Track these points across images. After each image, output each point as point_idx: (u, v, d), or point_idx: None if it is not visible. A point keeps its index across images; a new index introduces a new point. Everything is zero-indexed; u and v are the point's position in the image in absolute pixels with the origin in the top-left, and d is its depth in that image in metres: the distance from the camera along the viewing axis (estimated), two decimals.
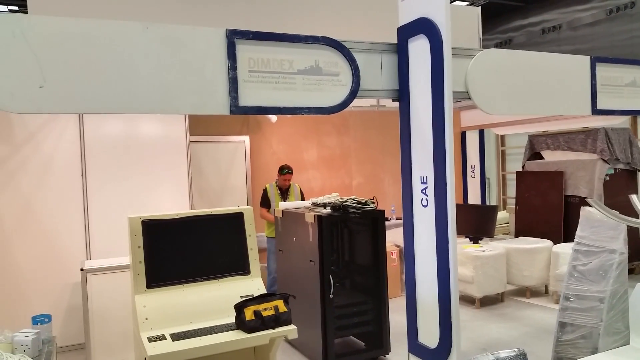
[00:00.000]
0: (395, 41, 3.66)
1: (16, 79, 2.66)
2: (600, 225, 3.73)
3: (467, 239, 6.85)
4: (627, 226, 3.54)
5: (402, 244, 4.09)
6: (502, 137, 11.75)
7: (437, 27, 3.27)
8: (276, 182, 6.35)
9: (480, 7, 7.17)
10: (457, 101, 3.99)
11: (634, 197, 3.39)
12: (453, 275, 3.29)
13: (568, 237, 7.06)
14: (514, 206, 8.45)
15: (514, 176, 8.73)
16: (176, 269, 3.37)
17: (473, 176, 9.80)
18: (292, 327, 3.18)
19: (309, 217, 4.46)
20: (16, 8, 9.39)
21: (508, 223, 10.28)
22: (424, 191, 3.49)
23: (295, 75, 3.32)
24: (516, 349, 2.32)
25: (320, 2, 5.93)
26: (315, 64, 3.38)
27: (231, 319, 3.17)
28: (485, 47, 5.96)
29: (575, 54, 4.56)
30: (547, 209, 7.67)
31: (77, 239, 5.14)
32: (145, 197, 5.32)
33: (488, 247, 6.37)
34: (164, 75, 2.97)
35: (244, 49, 3.17)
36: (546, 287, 6.56)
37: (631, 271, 6.79)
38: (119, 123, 5.33)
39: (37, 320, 3.50)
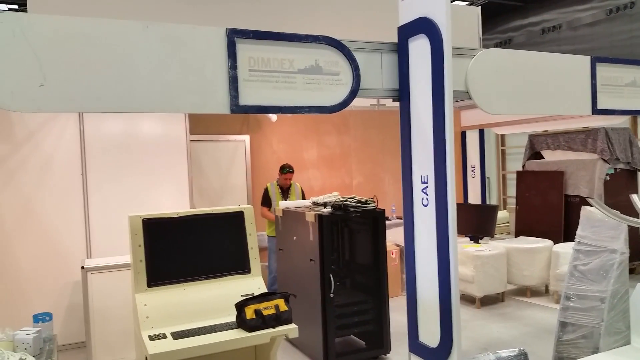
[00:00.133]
0: (396, 41, 3.66)
1: (16, 77, 2.66)
2: (601, 225, 3.73)
3: (468, 239, 6.85)
4: (628, 226, 3.54)
5: (402, 243, 4.09)
6: (502, 136, 11.76)
7: (438, 26, 3.27)
8: (277, 181, 6.35)
9: (480, 7, 7.17)
10: (457, 101, 3.98)
11: (634, 196, 3.39)
12: (454, 274, 3.29)
13: (568, 236, 7.06)
14: (514, 206, 8.45)
15: (514, 176, 8.74)
16: (177, 267, 3.37)
17: (473, 176, 9.81)
18: (293, 326, 3.18)
19: (310, 216, 4.46)
20: (16, 7, 9.39)
21: (508, 223, 10.29)
22: (424, 190, 3.49)
23: (295, 75, 3.33)
24: (517, 349, 2.32)
25: (321, 2, 5.93)
26: (315, 63, 3.38)
27: (232, 317, 3.18)
28: (485, 47, 5.95)
29: (575, 54, 4.57)
30: (548, 209, 7.67)
31: (78, 237, 5.14)
32: (145, 196, 5.32)
33: (488, 247, 6.37)
34: (164, 74, 2.97)
35: (244, 48, 3.17)
36: (546, 286, 6.57)
37: (632, 271, 6.79)
38: (119, 122, 5.33)
39: (38, 318, 3.50)
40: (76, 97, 2.79)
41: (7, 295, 4.88)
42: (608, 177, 7.15)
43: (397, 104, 3.75)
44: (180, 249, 3.41)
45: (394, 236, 6.48)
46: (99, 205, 5.20)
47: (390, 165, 7.91)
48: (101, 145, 5.23)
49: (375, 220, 4.68)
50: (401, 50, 3.62)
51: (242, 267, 3.55)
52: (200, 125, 6.37)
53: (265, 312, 3.11)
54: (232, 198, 6.95)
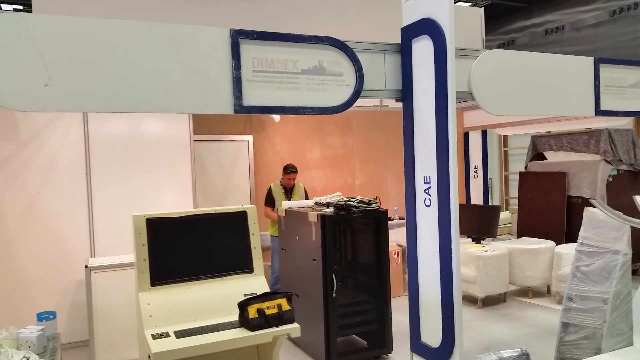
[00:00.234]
0: (399, 41, 3.67)
1: (21, 77, 2.68)
2: (603, 226, 3.73)
3: (470, 239, 6.85)
4: (631, 227, 3.54)
5: (404, 244, 4.10)
6: (505, 137, 11.75)
7: (441, 27, 3.28)
8: (280, 182, 6.37)
9: (483, 8, 7.17)
10: (460, 102, 3.99)
11: (637, 198, 3.40)
12: (456, 275, 3.30)
13: (570, 237, 7.05)
14: (517, 207, 8.44)
15: (517, 177, 8.73)
16: (180, 267, 3.39)
17: (476, 176, 9.80)
18: (296, 325, 3.19)
19: (312, 216, 4.48)
20: (20, 7, 9.43)
21: (510, 223, 10.27)
22: (427, 191, 3.50)
23: (299, 75, 3.34)
24: (519, 349, 2.33)
25: (324, 2, 5.94)
26: (319, 64, 3.39)
27: (235, 317, 3.19)
28: (487, 48, 5.96)
29: (578, 55, 4.57)
30: (550, 210, 7.66)
31: (82, 236, 5.16)
32: (149, 196, 5.34)
33: (490, 247, 6.37)
34: (169, 75, 2.99)
35: (248, 49, 3.18)
36: (548, 287, 6.56)
37: (635, 272, 6.78)
38: (123, 122, 5.35)
39: (42, 317, 3.52)
40: (81, 97, 2.81)
41: (11, 293, 4.90)
42: (611, 179, 7.14)
43: (400, 104, 3.76)
44: (184, 248, 3.43)
45: (396, 236, 6.49)
46: (103, 205, 5.22)
47: (392, 165, 7.92)
48: (105, 145, 5.25)
49: (377, 220, 4.68)
50: (404, 51, 3.63)
51: (245, 266, 3.57)
52: (204, 125, 6.39)
53: (267, 312, 3.12)
54: (235, 198, 6.96)
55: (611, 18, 9.41)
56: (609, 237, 3.69)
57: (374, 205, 4.65)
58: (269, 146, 7.36)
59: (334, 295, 4.38)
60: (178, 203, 5.45)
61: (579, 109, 4.53)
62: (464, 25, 6.54)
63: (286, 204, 5.32)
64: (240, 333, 3.06)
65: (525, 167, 8.44)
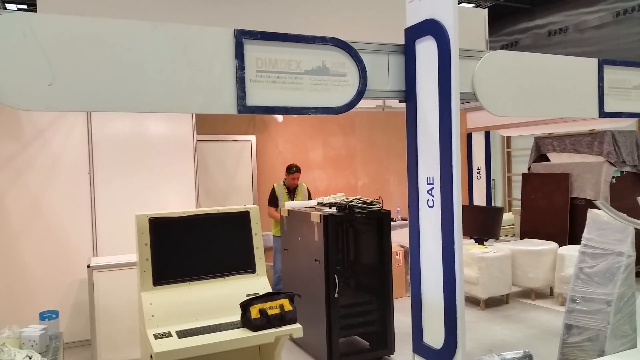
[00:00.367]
0: (403, 42, 3.67)
1: (26, 76, 2.69)
2: (607, 228, 3.72)
3: (473, 240, 6.84)
4: (635, 229, 3.53)
5: (407, 245, 4.10)
6: (508, 138, 11.73)
7: (445, 28, 3.28)
8: (284, 182, 6.37)
9: (486, 9, 7.16)
10: (463, 102, 3.99)
11: None
12: (459, 276, 3.29)
13: (573, 239, 7.03)
14: (520, 208, 8.42)
15: (520, 178, 8.71)
16: (182, 266, 3.38)
17: (479, 177, 9.79)
18: (298, 325, 3.19)
19: (315, 217, 4.47)
20: (25, 7, 9.46)
21: (513, 225, 10.26)
22: (430, 192, 3.49)
23: (302, 76, 3.34)
24: (522, 351, 2.32)
25: (328, 3, 5.94)
26: (322, 65, 3.39)
27: (237, 317, 3.19)
28: (491, 49, 5.95)
29: (581, 57, 4.56)
30: (553, 211, 7.64)
31: (84, 236, 5.17)
32: (152, 196, 5.34)
33: (493, 249, 6.36)
34: (173, 75, 2.99)
35: (252, 49, 3.18)
36: (551, 289, 6.54)
37: (638, 274, 6.75)
38: (126, 122, 5.36)
39: (44, 316, 3.53)
40: (85, 96, 2.82)
41: (14, 292, 4.91)
42: (614, 180, 7.12)
43: (403, 105, 3.76)
44: (186, 248, 3.43)
45: (399, 237, 6.48)
46: (106, 204, 5.23)
47: (395, 166, 7.91)
48: (108, 144, 5.26)
49: (380, 221, 4.68)
50: (408, 52, 3.63)
51: (247, 266, 3.56)
52: (207, 125, 6.39)
53: (270, 312, 3.12)
54: (238, 198, 6.97)
55: (615, 19, 9.39)
56: (613, 238, 3.68)
57: (377, 205, 4.65)
58: (271, 146, 7.37)
59: (336, 295, 4.38)
60: (181, 203, 5.45)
61: (582, 111, 4.52)
62: (468, 26, 6.54)
63: (289, 204, 5.31)
64: (242, 333, 3.06)
65: (529, 169, 8.42)
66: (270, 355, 3.47)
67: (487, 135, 10.02)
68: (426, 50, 3.46)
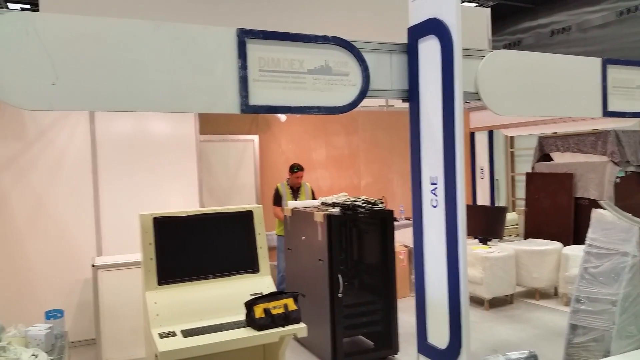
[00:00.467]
0: (405, 41, 3.66)
1: (29, 76, 2.69)
2: (612, 228, 3.70)
3: (477, 240, 6.82)
4: None
5: (410, 244, 4.09)
6: (512, 138, 11.70)
7: (448, 27, 3.27)
8: (287, 181, 6.37)
9: (489, 8, 7.15)
10: (466, 102, 3.97)
11: None
12: (463, 276, 3.28)
13: (577, 239, 7.02)
14: (523, 208, 8.41)
15: (523, 178, 8.69)
16: (187, 266, 3.39)
17: (482, 177, 9.78)
18: (302, 325, 3.19)
19: (319, 216, 4.47)
20: (28, 7, 9.48)
21: (517, 224, 10.24)
22: (433, 192, 3.48)
23: (305, 75, 3.33)
24: (527, 351, 2.31)
25: (331, 2, 5.94)
26: (325, 64, 3.39)
27: (241, 316, 3.19)
28: (493, 48, 5.94)
29: (585, 56, 4.54)
30: (557, 211, 7.62)
31: (88, 235, 5.18)
32: (155, 195, 5.35)
33: (497, 249, 6.35)
34: (175, 74, 2.99)
35: (254, 49, 3.18)
36: (555, 289, 6.53)
37: None
38: (129, 121, 5.37)
39: (50, 315, 3.54)
40: (87, 96, 2.82)
41: (19, 292, 4.93)
42: (618, 180, 7.10)
43: (406, 104, 3.75)
44: (190, 247, 3.43)
45: (402, 237, 6.47)
46: (110, 204, 5.24)
47: (398, 166, 7.90)
48: (112, 144, 5.27)
49: (383, 220, 4.67)
50: (411, 51, 3.62)
51: (251, 266, 3.56)
52: (210, 124, 6.40)
53: (274, 311, 3.11)
54: (241, 198, 6.97)
55: (618, 19, 9.35)
56: (618, 238, 3.66)
57: (380, 205, 4.64)
58: (274, 146, 7.37)
59: (340, 295, 4.37)
60: (184, 202, 5.46)
61: (586, 110, 4.50)
62: (471, 25, 6.52)
63: (292, 204, 5.31)
64: (246, 333, 3.06)
65: (532, 168, 8.40)
66: (275, 355, 3.47)
67: (491, 134, 10.02)
68: (429, 49, 3.45)
